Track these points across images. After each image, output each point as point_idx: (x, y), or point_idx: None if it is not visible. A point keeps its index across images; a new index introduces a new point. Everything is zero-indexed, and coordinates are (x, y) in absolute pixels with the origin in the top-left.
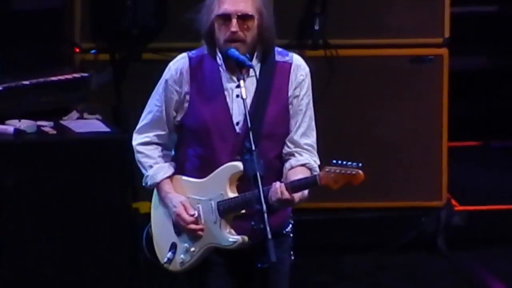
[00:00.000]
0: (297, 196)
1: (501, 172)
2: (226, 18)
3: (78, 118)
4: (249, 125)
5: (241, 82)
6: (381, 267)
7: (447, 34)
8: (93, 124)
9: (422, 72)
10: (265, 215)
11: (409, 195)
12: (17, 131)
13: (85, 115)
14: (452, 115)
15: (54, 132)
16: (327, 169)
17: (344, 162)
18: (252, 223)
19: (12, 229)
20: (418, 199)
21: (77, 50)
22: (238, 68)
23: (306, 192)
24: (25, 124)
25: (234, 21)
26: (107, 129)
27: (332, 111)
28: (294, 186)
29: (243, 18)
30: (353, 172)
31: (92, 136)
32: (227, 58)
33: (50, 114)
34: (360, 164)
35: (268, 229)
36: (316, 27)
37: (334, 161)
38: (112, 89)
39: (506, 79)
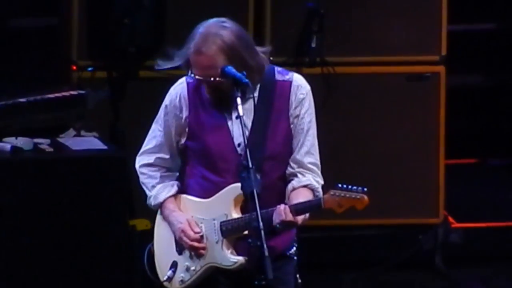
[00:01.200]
0: (300, 218)
1: (499, 189)
2: (199, 79)
3: (75, 136)
4: (246, 142)
5: (238, 99)
6: (379, 285)
7: (444, 51)
8: (91, 142)
9: (419, 90)
10: (262, 232)
11: (406, 213)
12: (14, 148)
13: (82, 132)
14: (450, 132)
15: (51, 149)
16: (331, 193)
17: (349, 186)
18: (249, 240)
19: (9, 246)
20: (415, 216)
21: (74, 67)
22: (235, 86)
23: (307, 215)
24: (22, 142)
25: (204, 83)
26: (105, 147)
27: (329, 128)
28: (298, 209)
29: (214, 77)
30: (358, 197)
31: (89, 154)
32: (224, 75)
33: (47, 131)
34: (365, 189)
35: (265, 246)
36: (313, 45)
37: (340, 185)
38: (109, 107)
39: (503, 96)
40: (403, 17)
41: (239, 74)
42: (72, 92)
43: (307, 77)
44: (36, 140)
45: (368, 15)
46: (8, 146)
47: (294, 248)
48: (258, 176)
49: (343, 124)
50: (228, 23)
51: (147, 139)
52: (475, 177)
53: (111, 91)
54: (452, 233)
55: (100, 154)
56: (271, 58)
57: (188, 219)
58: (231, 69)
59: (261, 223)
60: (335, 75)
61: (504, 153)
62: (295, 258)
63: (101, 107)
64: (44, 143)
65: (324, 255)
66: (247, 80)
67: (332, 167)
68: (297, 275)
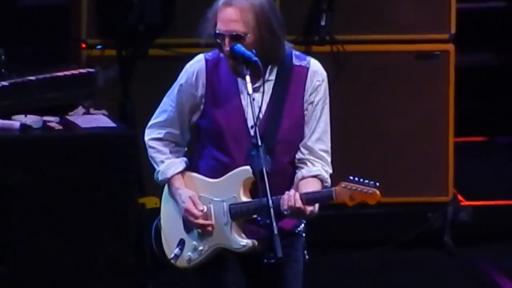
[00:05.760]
0: (309, 209)
1: (508, 167)
2: (220, 37)
3: (84, 114)
4: (256, 121)
5: (247, 77)
6: (388, 263)
7: (453, 30)
8: (100, 120)
9: (428, 68)
10: (271, 210)
11: (415, 191)
12: (23, 126)
13: (92, 110)
14: (458, 110)
15: (60, 127)
16: (343, 185)
17: (361, 180)
18: (258, 218)
19: (18, 225)
20: (425, 194)
21: (84, 46)
22: (244, 64)
23: (317, 207)
24: (31, 120)
25: (227, 40)
26: (114, 125)
27: (338, 107)
28: (309, 199)
29: (235, 38)
30: (370, 191)
31: (98, 132)
32: (233, 53)
33: (56, 109)
34: (378, 184)
35: (274, 224)
36: (323, 23)
37: (351, 177)
38: (119, 85)
39: None
40: None
41: (248, 53)
42: (82, 71)
43: (317, 55)
44: (45, 118)
45: None
46: (17, 124)
47: (302, 225)
48: (268, 157)
49: (352, 102)
50: None
51: (157, 111)
52: (484, 155)
53: (120, 70)
54: (461, 211)
55: (109, 132)
56: None
57: (191, 197)
58: (240, 48)
59: (270, 201)
60: (345, 53)
61: None
62: (304, 235)
63: (110, 86)
64: (53, 121)
65: (333, 234)
66: (256, 59)
67: (341, 146)
68: (305, 252)
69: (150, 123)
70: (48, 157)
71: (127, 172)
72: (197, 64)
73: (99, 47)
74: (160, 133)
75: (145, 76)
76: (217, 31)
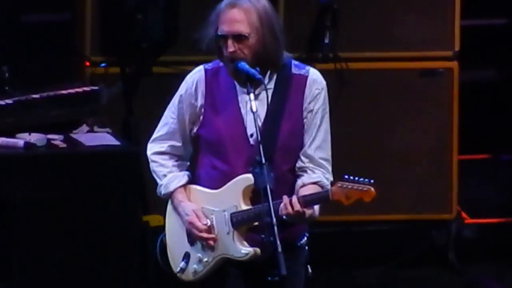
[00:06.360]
0: (308, 212)
1: None
2: (223, 38)
3: (88, 131)
4: (259, 138)
5: (251, 95)
6: (392, 281)
7: (457, 47)
8: (104, 137)
9: (432, 85)
10: (275, 228)
11: (419, 208)
12: (27, 144)
13: (96, 128)
14: (463, 128)
15: (64, 145)
16: (339, 184)
17: (356, 178)
18: (262, 236)
19: (22, 242)
20: (429, 212)
21: (87, 63)
22: (248, 82)
23: (316, 211)
24: (35, 137)
25: (230, 41)
26: (118, 142)
27: (342, 124)
28: (306, 201)
29: (238, 38)
30: (365, 189)
31: (102, 149)
32: (237, 71)
33: (60, 127)
34: (372, 181)
35: (278, 242)
36: (326, 40)
37: (346, 176)
38: (123, 103)
39: None
40: (416, 13)
41: (252, 70)
42: (85, 88)
43: (320, 73)
44: (49, 136)
45: (381, 10)
46: (21, 142)
47: (305, 238)
48: (271, 173)
49: (356, 119)
50: None
51: (159, 125)
52: (488, 172)
53: (124, 87)
54: (465, 228)
55: (113, 150)
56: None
57: (195, 210)
58: (244, 65)
59: (274, 219)
60: (348, 71)
61: None
62: (306, 248)
63: (114, 103)
64: (57, 139)
65: (337, 250)
66: (260, 77)
67: (345, 163)
68: (308, 265)
69: (153, 137)
70: (52, 174)
71: (131, 190)
72: (196, 74)
73: (103, 65)
74: (162, 146)
75: (149, 93)
76: (220, 33)
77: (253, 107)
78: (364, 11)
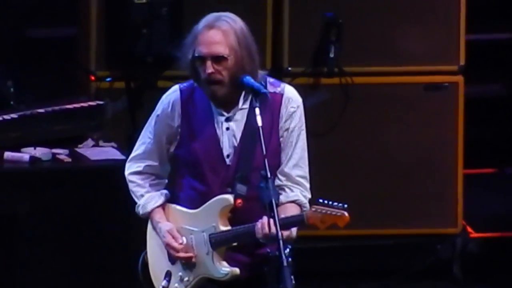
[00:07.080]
0: (285, 234)
1: None
2: (201, 60)
3: (93, 146)
4: (264, 152)
5: (257, 109)
6: None
7: (462, 61)
8: (109, 152)
9: (437, 100)
10: (280, 242)
11: (424, 222)
12: (33, 158)
13: (101, 142)
14: (468, 142)
15: (69, 159)
16: (313, 209)
17: (330, 202)
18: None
19: (26, 256)
20: (434, 226)
21: (93, 78)
22: (253, 96)
23: (294, 232)
24: (40, 152)
25: (209, 63)
26: (123, 157)
27: (347, 139)
28: (282, 224)
29: (217, 60)
30: (339, 214)
31: (107, 164)
32: (242, 85)
33: (65, 142)
34: (346, 205)
35: (284, 256)
36: (331, 55)
37: (320, 200)
38: (128, 117)
39: None
40: (421, 27)
41: (257, 85)
42: (91, 103)
43: (326, 87)
44: (54, 151)
45: (386, 24)
46: (26, 157)
47: (288, 250)
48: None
49: (361, 133)
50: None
51: (137, 144)
52: (493, 186)
53: (129, 101)
54: (470, 243)
55: (118, 164)
56: (289, 68)
57: (169, 231)
58: (249, 79)
59: (279, 233)
60: (353, 85)
61: None
62: (289, 259)
63: (119, 117)
64: (62, 153)
65: (342, 265)
66: (265, 91)
67: (350, 177)
68: (292, 277)
69: (130, 156)
70: (57, 189)
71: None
72: (172, 94)
73: (108, 79)
74: (139, 166)
75: (153, 107)
76: (198, 54)
77: (259, 122)
78: (369, 25)
